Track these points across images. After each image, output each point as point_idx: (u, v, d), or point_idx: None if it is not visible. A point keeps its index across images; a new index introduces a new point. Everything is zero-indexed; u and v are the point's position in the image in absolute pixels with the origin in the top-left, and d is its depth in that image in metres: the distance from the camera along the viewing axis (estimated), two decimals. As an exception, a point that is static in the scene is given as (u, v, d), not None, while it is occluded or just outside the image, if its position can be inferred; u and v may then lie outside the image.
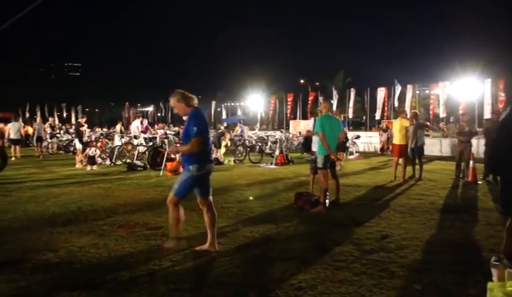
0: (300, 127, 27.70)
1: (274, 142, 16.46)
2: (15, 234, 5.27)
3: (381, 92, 28.02)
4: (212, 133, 18.78)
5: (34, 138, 19.34)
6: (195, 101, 4.60)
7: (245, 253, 4.50)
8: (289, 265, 4.11)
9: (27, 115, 46.45)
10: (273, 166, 13.60)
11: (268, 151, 16.47)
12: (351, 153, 17.40)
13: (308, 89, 39.40)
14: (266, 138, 18.48)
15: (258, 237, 5.17)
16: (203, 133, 4.37)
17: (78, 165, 13.15)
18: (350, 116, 31.49)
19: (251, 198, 7.76)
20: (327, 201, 6.94)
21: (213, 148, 16.56)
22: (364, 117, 21.09)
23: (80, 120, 14.82)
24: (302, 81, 52.82)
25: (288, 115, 38.13)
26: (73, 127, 20.68)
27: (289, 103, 37.56)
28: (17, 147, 16.89)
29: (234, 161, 14.82)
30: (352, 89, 31.69)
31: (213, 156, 15.39)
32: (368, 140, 22.62)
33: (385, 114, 29.74)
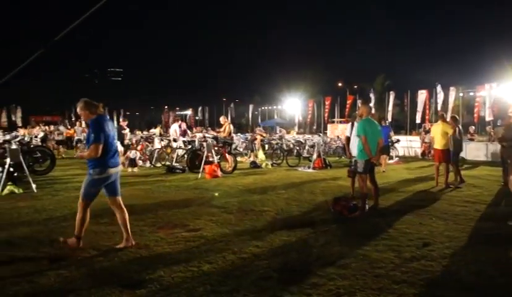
0: (338, 130, 27.36)
1: (312, 146, 16.33)
2: (62, 232, 5.50)
3: (422, 95, 27.24)
4: (248, 137, 18.89)
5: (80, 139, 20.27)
6: (100, 109, 4.79)
7: (283, 258, 4.48)
8: (327, 271, 4.06)
9: (73, 118, 48.39)
10: (311, 170, 13.49)
11: (305, 155, 16.37)
12: (391, 158, 17.00)
13: (346, 92, 38.92)
14: (303, 141, 18.37)
15: (296, 241, 5.14)
16: (100, 140, 4.54)
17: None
18: (389, 119, 30.82)
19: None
20: (366, 206, 6.82)
21: (248, 151, 16.65)
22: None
23: (121, 123, 15.32)
24: (340, 84, 52.18)
25: (326, 118, 37.78)
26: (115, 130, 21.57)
27: (326, 106, 37.23)
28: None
29: (272, 165, 14.82)
30: (391, 92, 31.03)
31: (249, 159, 15.49)
32: (408, 144, 22.01)
33: (426, 117, 28.89)
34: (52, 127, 27.47)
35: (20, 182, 9.13)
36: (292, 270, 4.11)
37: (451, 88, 25.75)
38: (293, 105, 42.58)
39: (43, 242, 5.03)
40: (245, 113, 52.49)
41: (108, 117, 5.16)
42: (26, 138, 13.73)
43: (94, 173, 4.67)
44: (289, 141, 18.88)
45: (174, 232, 5.51)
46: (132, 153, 13.19)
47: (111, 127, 4.85)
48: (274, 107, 54.51)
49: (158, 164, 14.21)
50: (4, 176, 8.68)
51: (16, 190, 8.68)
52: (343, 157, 19.17)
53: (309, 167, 13.84)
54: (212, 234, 5.41)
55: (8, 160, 8.82)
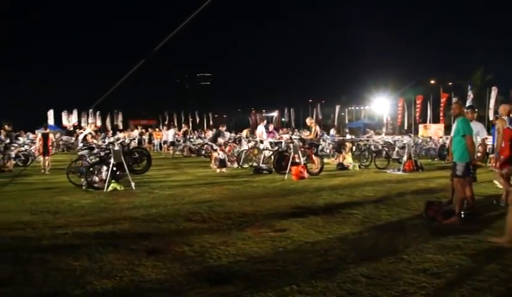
0: (431, 131, 25.79)
1: (402, 147, 15.56)
2: (158, 227, 5.93)
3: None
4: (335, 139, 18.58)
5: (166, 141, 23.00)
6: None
7: (371, 262, 4.34)
8: (418, 279, 3.85)
9: (166, 122, 51.64)
10: (401, 173, 12.88)
11: (395, 156, 15.67)
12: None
13: (439, 90, 36.47)
14: (393, 143, 17.60)
15: (385, 247, 4.94)
16: None
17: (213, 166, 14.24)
18: (491, 117, 28.27)
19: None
20: (462, 212, 6.31)
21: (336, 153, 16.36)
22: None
23: (221, 128, 16.13)
24: (432, 81, 49.06)
25: (417, 118, 35.81)
26: (211, 132, 22.99)
27: (417, 105, 35.29)
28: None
29: (359, 167, 14.43)
30: (493, 88, 28.45)
31: (336, 160, 15.22)
32: None
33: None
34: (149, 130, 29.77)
35: (121, 180, 9.97)
36: (381, 275, 3.97)
37: None
38: (381, 105, 41.04)
39: (141, 235, 5.45)
40: (331, 114, 51.71)
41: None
42: (126, 141, 14.91)
43: None
44: (377, 142, 18.21)
45: (260, 231, 5.61)
46: (220, 154, 13.69)
47: None
48: (362, 107, 53.04)
49: (245, 165, 14.58)
50: (108, 175, 9.56)
51: (118, 188, 9.51)
52: (436, 159, 18.05)
53: (399, 170, 13.23)
54: (298, 235, 5.42)
55: (112, 160, 9.70)
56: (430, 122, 34.20)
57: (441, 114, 33.17)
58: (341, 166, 14.14)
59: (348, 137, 18.07)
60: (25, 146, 18.04)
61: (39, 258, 4.55)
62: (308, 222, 6.15)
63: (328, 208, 7.23)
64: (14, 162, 15.63)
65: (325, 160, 14.41)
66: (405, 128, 38.55)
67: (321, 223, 6.07)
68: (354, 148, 17.11)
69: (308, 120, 14.95)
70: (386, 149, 16.49)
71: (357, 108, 54.84)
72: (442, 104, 33.17)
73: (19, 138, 19.83)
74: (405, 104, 37.88)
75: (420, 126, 31.89)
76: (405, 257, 4.51)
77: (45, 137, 14.79)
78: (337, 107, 48.03)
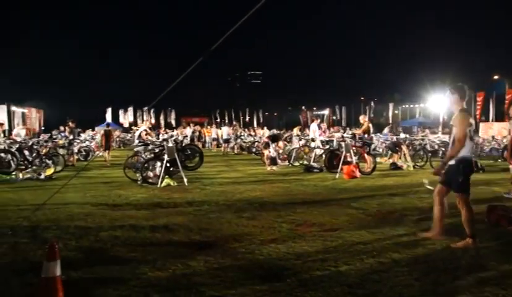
0: (493, 130, 24.36)
1: (461, 147, 14.81)
2: (209, 223, 6.04)
3: None
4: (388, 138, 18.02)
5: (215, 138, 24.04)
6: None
7: (425, 266, 4.17)
8: (479, 288, 3.63)
9: (218, 119, 52.58)
10: (459, 174, 12.26)
11: (452, 156, 14.93)
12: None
13: (504, 86, 34.27)
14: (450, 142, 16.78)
15: (441, 250, 4.72)
16: None
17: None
18: None
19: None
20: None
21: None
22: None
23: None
24: (496, 77, 46.25)
25: (478, 116, 33.93)
26: (261, 131, 23.40)
27: (478, 102, 33.43)
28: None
29: (414, 167, 13.91)
30: None
31: (389, 160, 14.77)
32: None
33: None
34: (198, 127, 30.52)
35: (175, 176, 10.27)
36: (436, 281, 3.79)
37: None
38: (438, 102, 39.25)
39: (193, 230, 5.58)
40: (384, 112, 50.21)
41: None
42: (179, 138, 15.34)
43: None
44: (433, 141, 17.47)
45: (311, 230, 5.57)
46: (272, 152, 13.73)
47: None
48: (416, 105, 51.03)
49: (296, 163, 14.53)
50: (162, 171, 9.88)
51: (171, 183, 9.81)
52: (500, 160, 17.02)
53: (457, 171, 12.60)
54: (350, 235, 5.31)
55: (165, 157, 10.01)
56: (492, 121, 32.31)
57: (506, 111, 31.17)
58: (395, 166, 13.71)
59: (402, 136, 17.47)
60: (86, 142, 19.06)
61: (99, 248, 4.80)
62: (360, 222, 6.02)
63: (380, 208, 7.04)
64: (76, 157, 16.57)
65: (378, 159, 14.04)
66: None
67: (373, 224, 5.92)
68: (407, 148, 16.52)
69: (361, 118, 14.64)
70: (443, 149, 15.76)
71: (411, 106, 52.84)
72: (507, 101, 31.17)
73: (81, 134, 20.97)
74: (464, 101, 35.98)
75: (481, 125, 30.21)
76: (464, 262, 4.30)
77: (107, 133, 16.91)
78: (391, 105, 46.51)
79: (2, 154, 11.46)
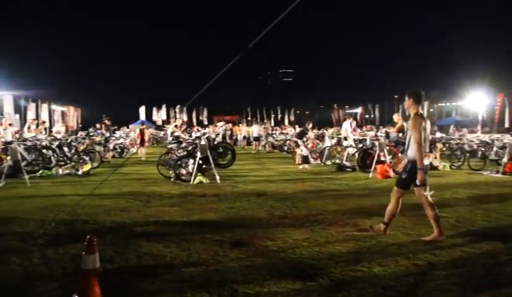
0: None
1: (502, 147, 14.24)
2: (241, 220, 6.08)
3: None
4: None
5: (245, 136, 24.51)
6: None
7: (464, 271, 4.03)
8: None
9: (249, 117, 52.73)
10: (500, 175, 11.80)
11: (492, 157, 14.39)
12: None
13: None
14: (490, 142, 16.17)
15: (480, 255, 4.55)
16: None
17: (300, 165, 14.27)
18: None
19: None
20: None
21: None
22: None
23: (306, 125, 16.25)
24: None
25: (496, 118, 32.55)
26: (292, 129, 23.37)
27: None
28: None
29: (450, 167, 13.49)
30: None
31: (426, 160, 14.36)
32: None
33: None
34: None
35: (207, 173, 10.38)
36: (476, 287, 3.66)
37: None
38: (477, 100, 37.87)
39: (225, 228, 5.64)
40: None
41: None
42: (212, 135, 15.50)
43: None
44: (471, 141, 16.87)
45: (344, 230, 5.50)
46: (304, 151, 13.65)
47: None
48: (453, 103, 49.42)
49: (328, 162, 14.39)
50: (195, 168, 10.01)
51: (204, 181, 9.92)
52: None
53: (497, 172, 12.13)
54: (384, 236, 5.21)
55: (198, 154, 10.14)
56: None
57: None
58: (430, 166, 13.33)
59: (438, 135, 16.99)
60: (121, 139, 19.58)
61: (134, 243, 4.91)
62: (394, 223, 5.84)
63: (415, 209, 6.81)
64: (111, 154, 17.05)
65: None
66: (506, 126, 35.16)
67: (408, 225, 5.78)
68: (443, 147, 16.05)
69: (395, 117, 14.28)
70: (483, 149, 15.22)
71: (447, 104, 51.21)
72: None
73: (116, 132, 21.55)
74: (506, 99, 34.58)
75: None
76: (508, 269, 4.11)
77: (142, 131, 18.15)
78: (426, 104, 45.06)
79: (44, 151, 11.92)
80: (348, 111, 52.76)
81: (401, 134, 13.63)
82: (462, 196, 8.29)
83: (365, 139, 13.64)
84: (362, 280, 3.76)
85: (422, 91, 5.20)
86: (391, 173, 10.88)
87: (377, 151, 11.32)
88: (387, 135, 12.77)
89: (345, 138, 15.57)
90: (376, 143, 11.66)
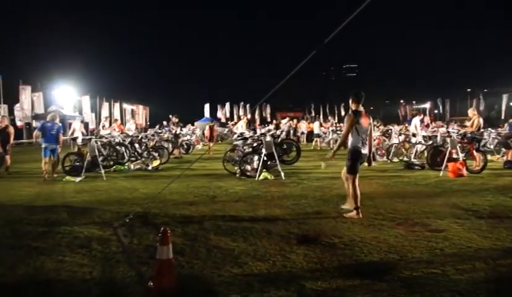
0: None
1: None
2: (307, 217, 6.07)
3: None
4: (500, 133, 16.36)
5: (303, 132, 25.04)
6: None
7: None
8: None
9: (312, 113, 52.28)
10: None
11: None
12: None
13: None
14: None
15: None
16: None
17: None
18: None
19: None
20: None
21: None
22: None
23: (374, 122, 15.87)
24: None
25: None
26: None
27: None
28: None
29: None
30: None
31: (502, 158, 13.39)
32: None
33: None
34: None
35: (272, 169, 10.45)
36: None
37: None
38: None
39: (292, 224, 5.65)
40: (496, 105, 45.55)
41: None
42: (277, 132, 15.56)
43: None
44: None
45: (414, 230, 5.29)
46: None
47: None
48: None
49: (395, 159, 13.89)
50: (260, 164, 10.12)
51: (269, 177, 10.00)
52: None
53: None
54: (458, 237, 4.94)
55: (263, 150, 10.24)
56: None
57: None
58: (509, 165, 12.40)
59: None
60: (187, 136, 20.28)
61: (203, 236, 5.08)
62: (469, 225, 5.56)
63: (493, 210, 6.42)
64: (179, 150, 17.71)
65: (489, 157, 12.85)
66: None
67: (485, 227, 5.43)
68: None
69: (470, 112, 13.43)
70: None
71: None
72: None
73: (182, 129, 22.35)
74: None
75: None
76: None
77: (212, 127, 20.38)
78: (505, 97, 41.93)
79: (118, 147, 12.65)
80: (415, 106, 50.50)
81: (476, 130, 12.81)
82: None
83: (436, 136, 12.98)
84: (435, 283, 3.60)
85: (362, 93, 6.44)
86: (464, 172, 10.26)
87: (449, 148, 10.73)
88: (464, 135, 11.91)
89: (414, 135, 14.93)
90: (448, 139, 11.05)
